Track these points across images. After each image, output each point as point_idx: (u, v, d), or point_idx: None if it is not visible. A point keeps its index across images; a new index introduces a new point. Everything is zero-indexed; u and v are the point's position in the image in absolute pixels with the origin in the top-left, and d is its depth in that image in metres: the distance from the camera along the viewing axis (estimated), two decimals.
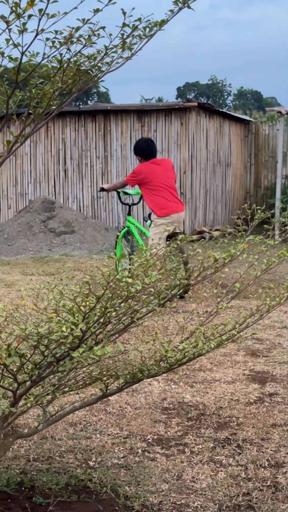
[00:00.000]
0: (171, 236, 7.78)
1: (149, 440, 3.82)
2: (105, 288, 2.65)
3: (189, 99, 15.13)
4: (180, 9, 2.97)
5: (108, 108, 15.55)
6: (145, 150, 8.39)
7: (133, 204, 9.26)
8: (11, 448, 3.50)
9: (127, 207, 9.35)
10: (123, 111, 15.11)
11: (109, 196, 15.33)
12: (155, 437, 3.86)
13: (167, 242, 4.17)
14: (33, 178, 15.85)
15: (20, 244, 13.08)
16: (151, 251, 2.99)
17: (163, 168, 8.29)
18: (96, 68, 2.78)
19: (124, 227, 9.02)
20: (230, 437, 3.84)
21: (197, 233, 14.66)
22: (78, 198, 15.58)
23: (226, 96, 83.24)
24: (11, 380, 2.86)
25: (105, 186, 8.88)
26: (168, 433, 3.93)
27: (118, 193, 9.24)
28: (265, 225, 4.14)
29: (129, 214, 9.16)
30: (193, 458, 3.56)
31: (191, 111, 14.56)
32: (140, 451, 3.66)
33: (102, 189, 8.91)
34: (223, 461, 3.51)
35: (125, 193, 9.22)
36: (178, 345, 3.10)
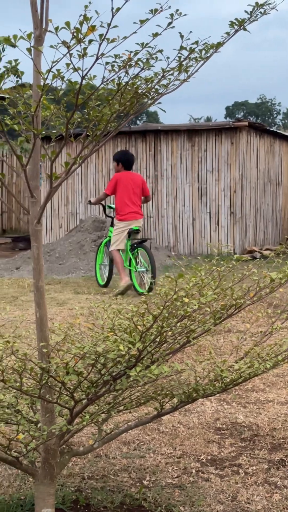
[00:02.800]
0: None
1: (203, 460, 3.81)
2: (162, 307, 2.67)
3: (240, 119, 15.15)
4: (236, 31, 3.00)
5: (158, 128, 15.65)
6: (128, 160, 10.37)
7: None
8: (66, 466, 3.53)
9: (111, 219, 10.69)
10: (173, 131, 15.19)
11: (159, 215, 15.38)
12: (209, 457, 3.85)
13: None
14: (84, 198, 16.01)
15: (71, 263, 13.21)
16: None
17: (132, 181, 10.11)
18: (154, 90, 2.82)
19: (106, 237, 10.57)
20: (285, 458, 3.81)
21: (247, 253, 14.61)
22: None
23: (275, 115, 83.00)
24: (68, 398, 2.90)
25: (92, 199, 10.62)
26: (222, 453, 3.91)
27: (104, 206, 10.87)
28: None
29: (112, 225, 10.42)
30: (248, 479, 3.54)
31: (241, 131, 14.57)
32: (194, 471, 3.65)
33: (89, 202, 10.56)
34: (278, 483, 3.48)
35: (109, 207, 10.83)
36: (234, 365, 3.10)
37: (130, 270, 10.02)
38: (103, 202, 10.79)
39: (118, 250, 10.01)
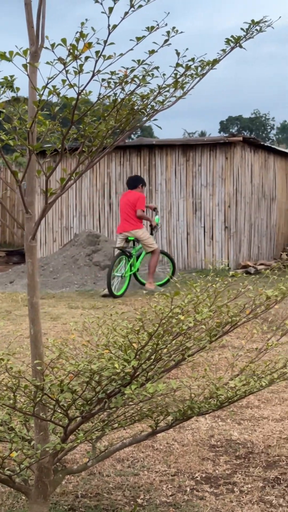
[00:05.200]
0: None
1: (197, 478, 3.78)
2: (157, 325, 2.66)
3: (234, 134, 15.16)
4: (232, 48, 3.00)
5: (153, 143, 15.67)
6: (128, 182, 12.03)
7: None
8: (59, 484, 3.49)
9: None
10: (168, 146, 15.21)
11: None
12: (204, 475, 3.82)
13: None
14: (78, 212, 16.01)
15: (65, 277, 13.17)
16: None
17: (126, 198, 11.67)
18: (150, 107, 2.82)
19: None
20: (280, 476, 3.78)
21: (241, 267, 14.60)
22: None
23: (269, 130, 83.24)
24: (62, 415, 2.87)
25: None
26: (217, 471, 3.88)
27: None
28: None
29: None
30: (243, 497, 3.51)
31: (236, 146, 14.60)
32: (188, 489, 3.62)
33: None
34: (273, 501, 3.46)
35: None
36: (229, 383, 3.08)
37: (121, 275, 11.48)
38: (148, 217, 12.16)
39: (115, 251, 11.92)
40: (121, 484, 3.67)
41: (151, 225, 12.10)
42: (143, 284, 11.90)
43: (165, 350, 2.84)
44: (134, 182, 11.89)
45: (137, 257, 11.83)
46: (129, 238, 11.74)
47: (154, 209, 12.38)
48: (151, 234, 11.97)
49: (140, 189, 11.85)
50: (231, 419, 4.79)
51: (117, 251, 11.73)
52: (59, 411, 2.78)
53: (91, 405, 2.83)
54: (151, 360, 2.80)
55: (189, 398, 3.14)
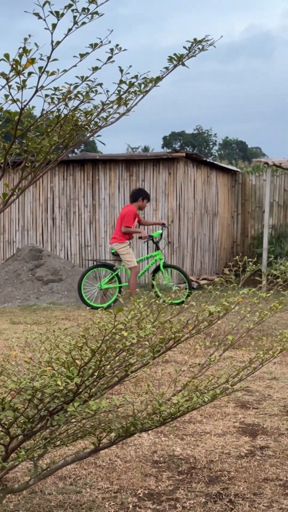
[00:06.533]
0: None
1: (140, 495, 3.76)
2: (100, 341, 2.65)
3: (177, 149, 15.25)
4: (175, 66, 3.03)
5: (96, 157, 15.68)
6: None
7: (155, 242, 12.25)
8: (0, 503, 3.44)
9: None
10: (112, 161, 15.24)
11: (97, 244, 15.37)
12: (146, 492, 3.81)
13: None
14: (21, 226, 15.89)
15: (7, 292, 13.04)
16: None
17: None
18: (93, 123, 2.82)
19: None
20: (222, 491, 3.80)
21: (184, 282, 14.67)
22: (66, 247, 15.61)
23: (211, 146, 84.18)
24: (3, 433, 2.83)
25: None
26: (159, 487, 3.88)
27: (150, 236, 12.15)
28: (256, 277, 4.17)
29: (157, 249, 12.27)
30: None
31: (179, 161, 14.72)
32: (131, 506, 3.61)
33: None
34: None
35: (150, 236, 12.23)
36: (172, 399, 3.08)
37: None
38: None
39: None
40: (63, 502, 3.63)
41: (140, 237, 12.13)
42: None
43: (108, 366, 2.83)
44: (134, 196, 12.03)
45: (156, 270, 12.17)
46: (112, 251, 12.09)
47: (163, 225, 12.45)
48: (156, 244, 12.16)
49: (140, 202, 11.94)
50: (174, 435, 4.80)
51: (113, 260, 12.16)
52: (0, 429, 2.74)
53: (33, 423, 2.80)
54: (94, 377, 2.79)
55: (132, 414, 3.14)
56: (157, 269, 12.21)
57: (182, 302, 11.51)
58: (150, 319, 2.96)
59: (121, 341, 2.76)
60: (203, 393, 3.09)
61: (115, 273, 11.85)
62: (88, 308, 11.02)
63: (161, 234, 12.33)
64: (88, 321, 2.95)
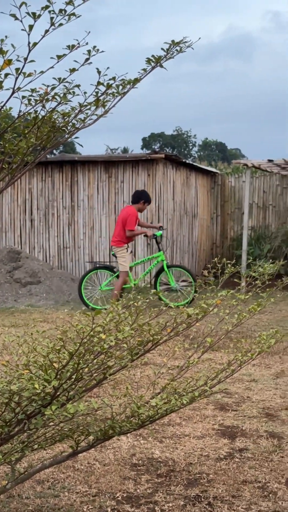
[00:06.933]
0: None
1: (119, 498, 3.75)
2: (78, 344, 2.63)
3: (156, 151, 15.24)
4: (153, 68, 3.03)
5: (75, 159, 15.64)
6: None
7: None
8: None
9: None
10: (90, 162, 15.21)
11: (76, 246, 15.33)
12: (125, 495, 3.80)
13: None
14: None
15: None
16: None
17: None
18: (71, 125, 2.80)
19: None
20: (201, 494, 3.79)
21: (164, 284, 14.67)
22: (45, 248, 15.55)
23: (191, 147, 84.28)
24: None
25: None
26: (138, 490, 3.86)
27: (154, 235, 12.08)
28: (235, 279, 4.17)
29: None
30: None
31: (158, 163, 14.72)
32: (109, 509, 3.59)
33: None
34: None
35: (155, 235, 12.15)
36: (150, 401, 3.07)
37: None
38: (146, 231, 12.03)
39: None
40: (41, 506, 3.61)
41: (145, 235, 11.98)
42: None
43: (87, 369, 2.82)
44: (136, 197, 11.81)
45: (159, 272, 12.01)
46: (112, 253, 12.02)
47: (160, 227, 12.33)
48: (157, 243, 12.16)
49: (141, 205, 11.74)
50: (153, 438, 4.79)
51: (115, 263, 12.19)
52: None
53: (11, 427, 2.78)
54: (72, 380, 2.77)
55: (110, 417, 3.12)
56: (160, 271, 12.14)
57: (192, 300, 11.01)
58: (128, 322, 2.95)
59: (99, 343, 2.74)
60: (181, 395, 3.08)
61: (115, 274, 11.85)
62: (87, 308, 11.17)
63: (161, 236, 12.30)
64: (66, 324, 2.94)
